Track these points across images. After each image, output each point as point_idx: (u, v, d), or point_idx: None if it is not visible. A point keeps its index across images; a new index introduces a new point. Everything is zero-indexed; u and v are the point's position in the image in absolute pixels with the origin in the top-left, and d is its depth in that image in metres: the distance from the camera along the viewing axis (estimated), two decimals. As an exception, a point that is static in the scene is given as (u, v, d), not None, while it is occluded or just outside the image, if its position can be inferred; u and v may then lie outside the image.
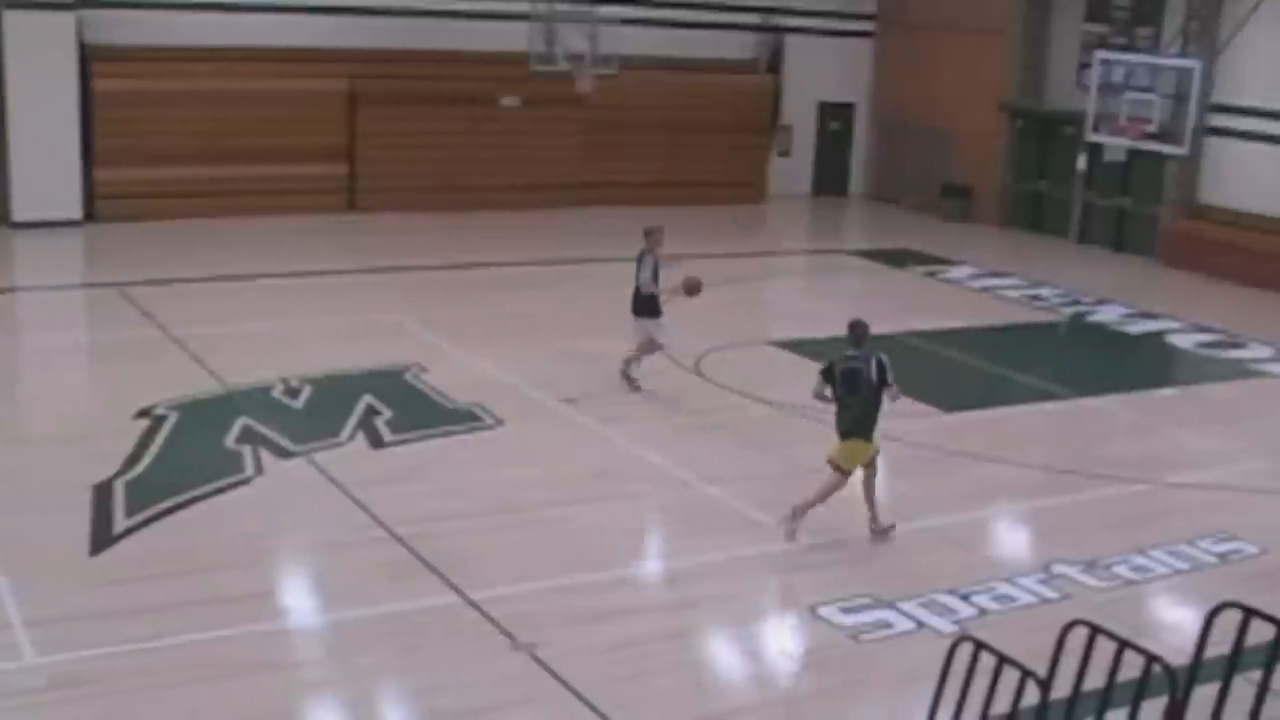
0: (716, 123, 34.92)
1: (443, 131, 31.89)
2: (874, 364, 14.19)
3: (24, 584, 12.15)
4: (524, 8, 30.35)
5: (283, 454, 15.89)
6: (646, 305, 19.01)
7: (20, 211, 27.84)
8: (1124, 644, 7.34)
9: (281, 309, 22.82)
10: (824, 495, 14.21)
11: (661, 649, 11.80)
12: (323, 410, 17.55)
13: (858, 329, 14.54)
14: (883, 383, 14.18)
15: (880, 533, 14.41)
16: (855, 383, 14.18)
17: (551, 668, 11.16)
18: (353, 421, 17.12)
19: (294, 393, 18.16)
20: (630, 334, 19.32)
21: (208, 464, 15.41)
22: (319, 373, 18.95)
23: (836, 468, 14.21)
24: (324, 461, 15.71)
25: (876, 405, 14.27)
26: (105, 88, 28.58)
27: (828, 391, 14.33)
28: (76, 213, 27.70)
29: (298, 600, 12.64)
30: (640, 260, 19.04)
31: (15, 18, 27.35)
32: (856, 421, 14.16)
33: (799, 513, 14.07)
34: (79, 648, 11.07)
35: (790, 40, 36.47)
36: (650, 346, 19.20)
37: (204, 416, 17.13)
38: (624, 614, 12.42)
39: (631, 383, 19.13)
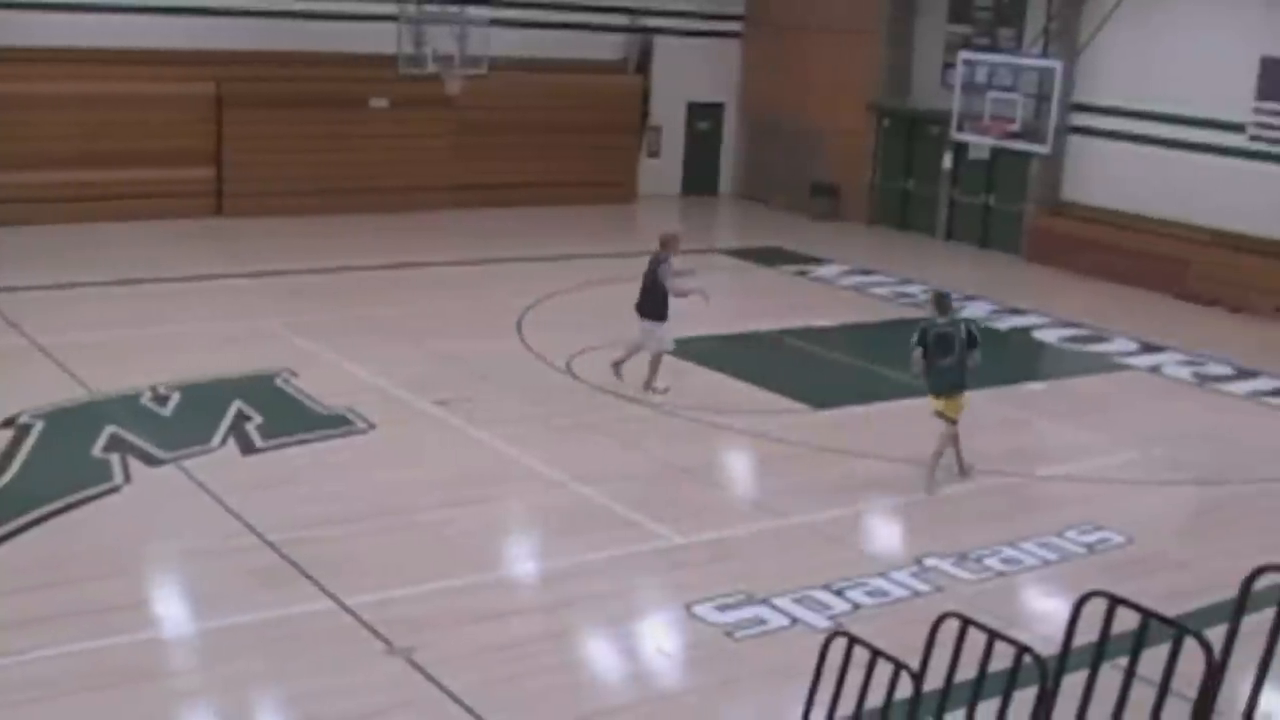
0: (586, 123, 34.94)
1: (311, 134, 31.63)
2: (963, 328, 16.66)
3: (-113, 598, 11.92)
4: (392, 9, 30.18)
5: (152, 461, 15.69)
6: (658, 308, 19.35)
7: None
8: (994, 635, 7.44)
9: (150, 315, 22.51)
10: (949, 442, 16.55)
11: (538, 650, 11.80)
12: (192, 417, 17.34)
13: (944, 300, 16.94)
14: (974, 344, 16.54)
15: (966, 471, 16.70)
16: (949, 345, 16.35)
17: (428, 671, 11.12)
18: (223, 427, 16.95)
19: (163, 399, 17.94)
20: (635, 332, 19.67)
21: (76, 473, 15.18)
22: (188, 379, 18.73)
23: (948, 420, 16.50)
24: (194, 468, 15.54)
25: (964, 364, 16.45)
26: (-36, 91, 28.08)
27: (919, 355, 16.48)
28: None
29: (170, 609, 12.49)
30: (660, 264, 19.47)
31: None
32: (954, 378, 16.40)
33: (966, 470, 16.69)
34: (-55, 662, 10.88)
35: (659, 41, 36.55)
36: (637, 349, 19.48)
37: (71, 425, 16.86)
38: (500, 616, 12.41)
39: (620, 376, 19.54)
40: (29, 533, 13.58)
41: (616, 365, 19.64)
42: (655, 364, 19.38)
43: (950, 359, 16.40)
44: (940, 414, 16.56)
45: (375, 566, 13.21)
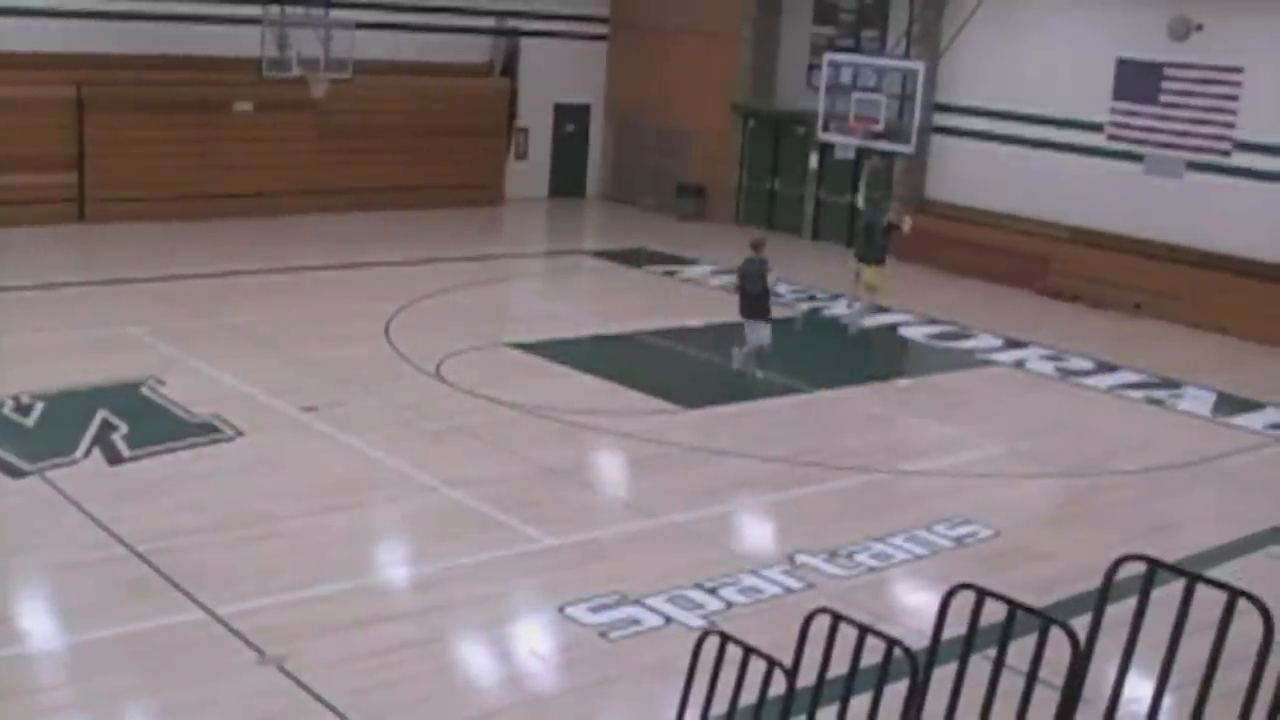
0: (453, 126, 34.87)
1: (175, 138, 31.24)
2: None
3: None
4: (256, 12, 29.91)
5: (15, 473, 15.42)
6: (763, 308, 21.05)
7: None
8: (865, 630, 7.52)
9: (10, 323, 22.12)
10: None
11: (412, 655, 11.76)
12: (56, 427, 17.07)
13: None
14: None
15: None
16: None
17: (301, 679, 11.04)
18: (88, 437, 16.70)
19: (25, 409, 17.63)
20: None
21: (-65, 486, 14.90)
22: (51, 388, 18.43)
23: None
24: (59, 479, 15.29)
25: None
26: None
27: None
28: None
29: (35, 623, 12.27)
30: (762, 266, 21.12)
31: None
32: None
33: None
34: None
35: (525, 43, 36.54)
36: (757, 346, 21.17)
37: (-70, 437, 16.56)
38: (373, 622, 12.34)
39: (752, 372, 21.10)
40: (-112, 548, 13.31)
41: (746, 361, 21.15)
42: (759, 354, 21.12)
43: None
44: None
45: (246, 575, 13.08)
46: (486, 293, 26.64)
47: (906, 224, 26.01)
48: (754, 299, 21.16)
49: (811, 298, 27.28)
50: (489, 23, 36.29)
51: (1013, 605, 7.08)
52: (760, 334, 21.11)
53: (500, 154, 36.63)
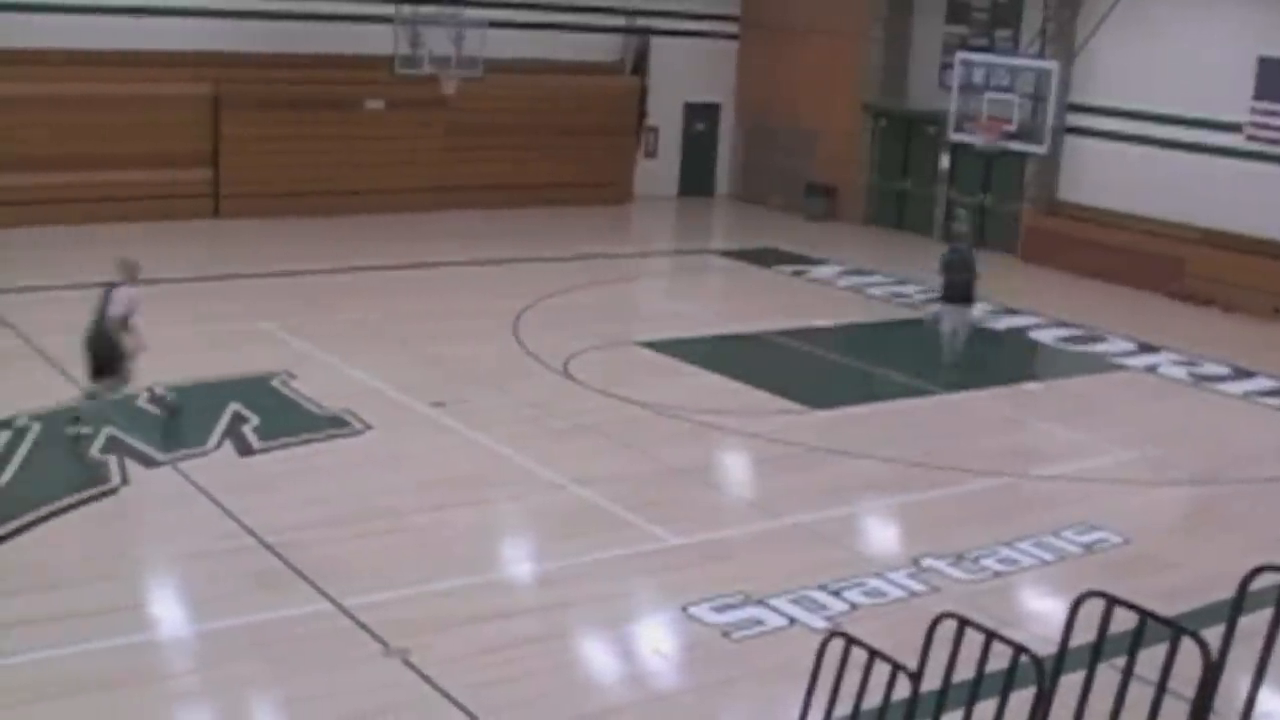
0: (583, 124, 34.95)
1: (307, 136, 31.62)
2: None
3: (-118, 601, 11.92)
4: (389, 11, 30.18)
5: (149, 463, 15.68)
6: (973, 292, 21.99)
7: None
8: (991, 635, 7.44)
9: (147, 316, 22.38)
10: None
11: (535, 651, 11.79)
12: (190, 418, 17.33)
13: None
14: None
15: None
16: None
17: (424, 672, 11.11)
18: (220, 429, 16.94)
19: (160, 401, 17.92)
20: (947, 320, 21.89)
21: (72, 475, 15.17)
22: (186, 380, 18.72)
23: None
24: (191, 470, 15.52)
25: None
26: (-42, 92, 28.07)
27: None
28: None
29: (166, 611, 12.45)
30: (970, 251, 22.10)
31: None
32: None
33: None
34: (-59, 665, 10.86)
35: (656, 42, 36.56)
36: (966, 326, 22.10)
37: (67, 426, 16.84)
38: (496, 617, 12.39)
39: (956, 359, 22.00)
40: (26, 534, 13.55)
41: (954, 341, 21.90)
42: (967, 337, 22.10)
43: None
44: None
45: (372, 568, 13.20)
46: (614, 291, 26.68)
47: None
48: (966, 285, 21.75)
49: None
50: (620, 21, 36.36)
51: (1143, 614, 6.96)
52: (970, 317, 22.12)
53: (630, 152, 36.68)
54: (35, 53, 28.88)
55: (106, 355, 16.72)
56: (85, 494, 14.63)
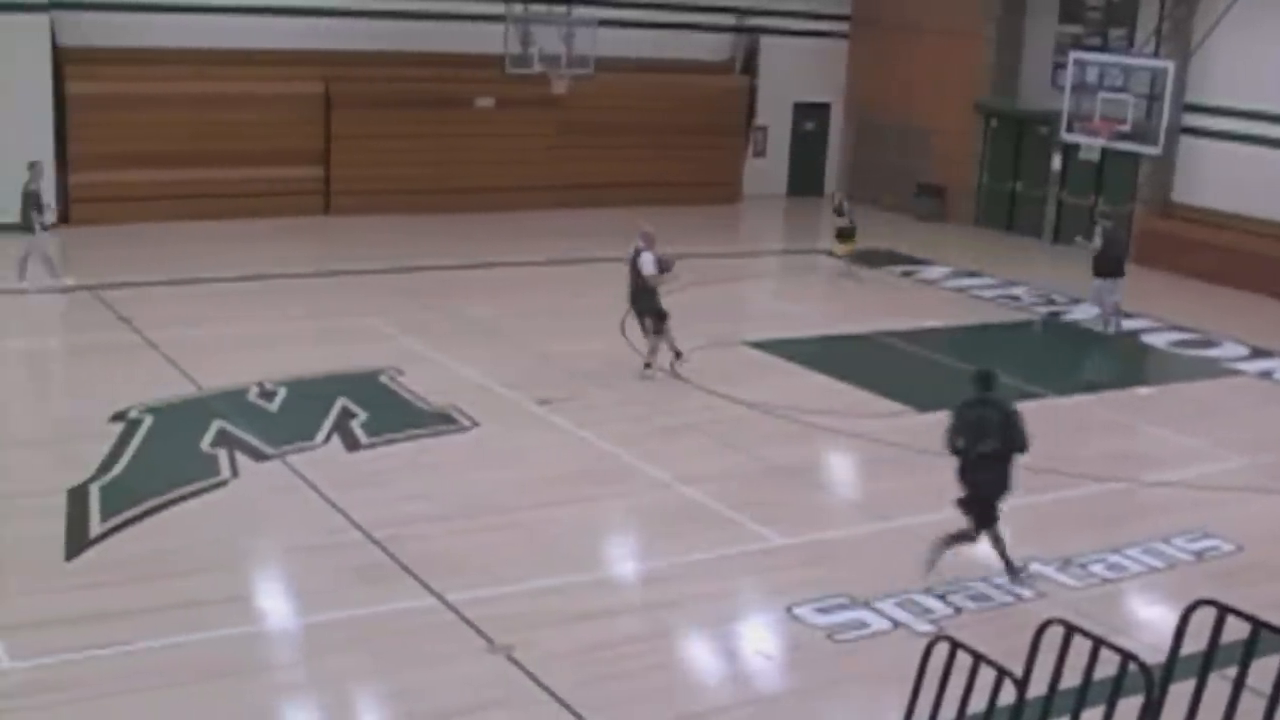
0: (692, 123, 34.94)
1: (417, 134, 31.84)
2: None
3: (-1, 589, 12.13)
4: (499, 9, 30.33)
5: (258, 456, 15.86)
6: (1121, 266, 23.97)
7: (-6, 214, 27.74)
8: (1099, 642, 7.36)
9: (257, 312, 22.78)
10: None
11: (638, 650, 11.80)
12: (298, 413, 17.51)
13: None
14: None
15: None
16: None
17: (528, 669, 11.15)
18: (328, 424, 17.10)
19: (269, 395, 18.12)
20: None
21: (183, 467, 15.37)
22: (294, 375, 18.91)
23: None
24: (299, 464, 15.68)
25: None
26: (79, 91, 28.50)
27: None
28: (51, 216, 27.50)
29: (273, 603, 12.60)
30: (1119, 231, 24.45)
31: (-12, 20, 27.29)
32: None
33: None
34: (54, 653, 11.03)
35: (765, 41, 36.48)
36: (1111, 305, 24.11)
37: (180, 420, 17.08)
38: (601, 615, 12.42)
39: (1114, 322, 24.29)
40: (137, 525, 13.76)
41: (1110, 318, 24.13)
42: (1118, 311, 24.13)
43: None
44: None
45: (477, 564, 13.27)
46: (723, 290, 26.64)
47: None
48: (1118, 260, 23.63)
49: (1051, 301, 26.78)
50: (730, 20, 36.32)
51: (1256, 623, 6.86)
52: (1120, 292, 23.88)
53: (739, 152, 36.64)
54: (149, 51, 29.36)
55: (647, 309, 20.01)
56: (196, 486, 14.82)
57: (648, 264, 19.87)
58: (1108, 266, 23.85)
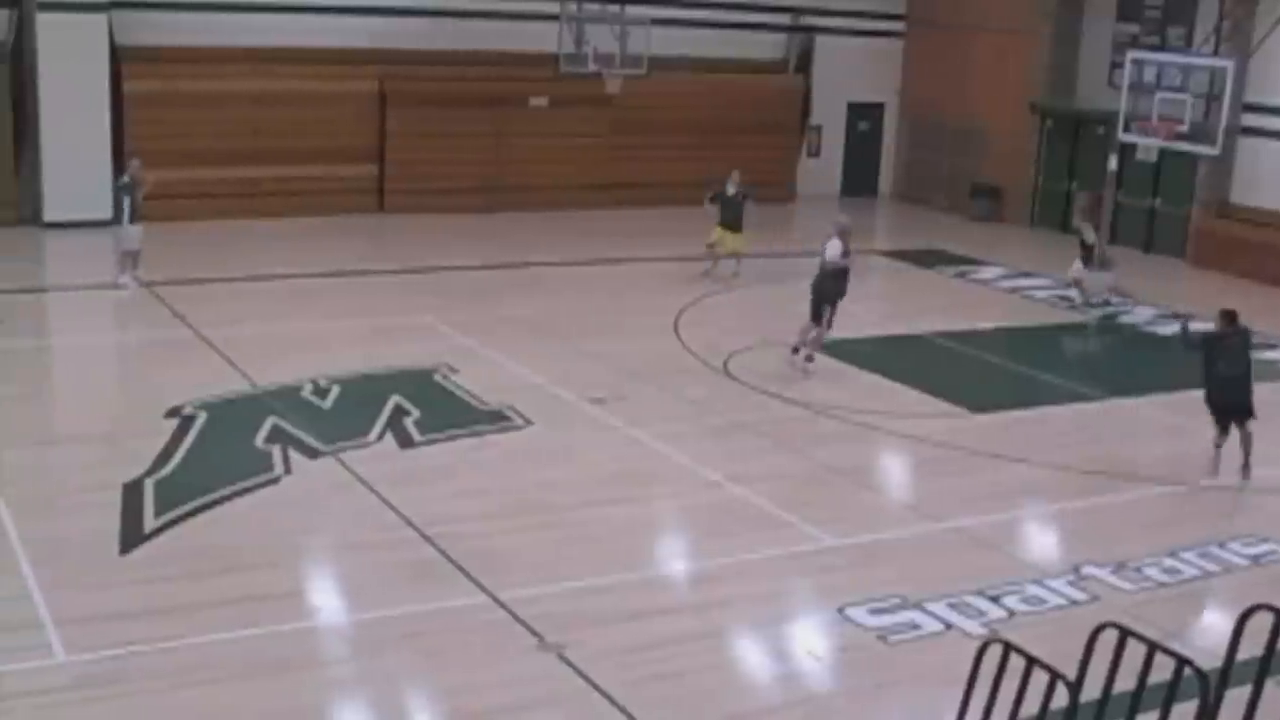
0: (746, 123, 34.87)
1: (472, 133, 31.91)
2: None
3: (55, 583, 12.20)
4: (553, 8, 30.36)
5: (311, 453, 15.92)
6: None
7: (51, 211, 27.97)
8: (1155, 647, 7.30)
9: (311, 309, 22.87)
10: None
11: (689, 649, 11.78)
12: (351, 410, 17.58)
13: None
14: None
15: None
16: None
17: (579, 668, 11.16)
18: (381, 421, 17.15)
19: (323, 392, 18.19)
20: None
21: (237, 463, 15.44)
22: (348, 373, 18.99)
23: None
24: (352, 461, 15.74)
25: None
26: (136, 89, 28.69)
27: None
28: (107, 213, 27.70)
29: (325, 599, 12.65)
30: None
31: (48, 19, 27.47)
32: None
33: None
34: (108, 646, 11.10)
35: (820, 40, 36.40)
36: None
37: (234, 416, 17.16)
38: (652, 614, 12.42)
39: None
40: (191, 521, 13.83)
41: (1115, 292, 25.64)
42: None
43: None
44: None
45: (529, 562, 13.28)
46: (776, 290, 26.55)
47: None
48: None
49: (1106, 303, 26.60)
50: (785, 20, 36.25)
51: (1313, 629, 6.79)
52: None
53: (793, 151, 36.57)
54: (205, 50, 29.50)
55: (832, 295, 20.35)
56: (249, 482, 14.89)
57: (832, 249, 20.37)
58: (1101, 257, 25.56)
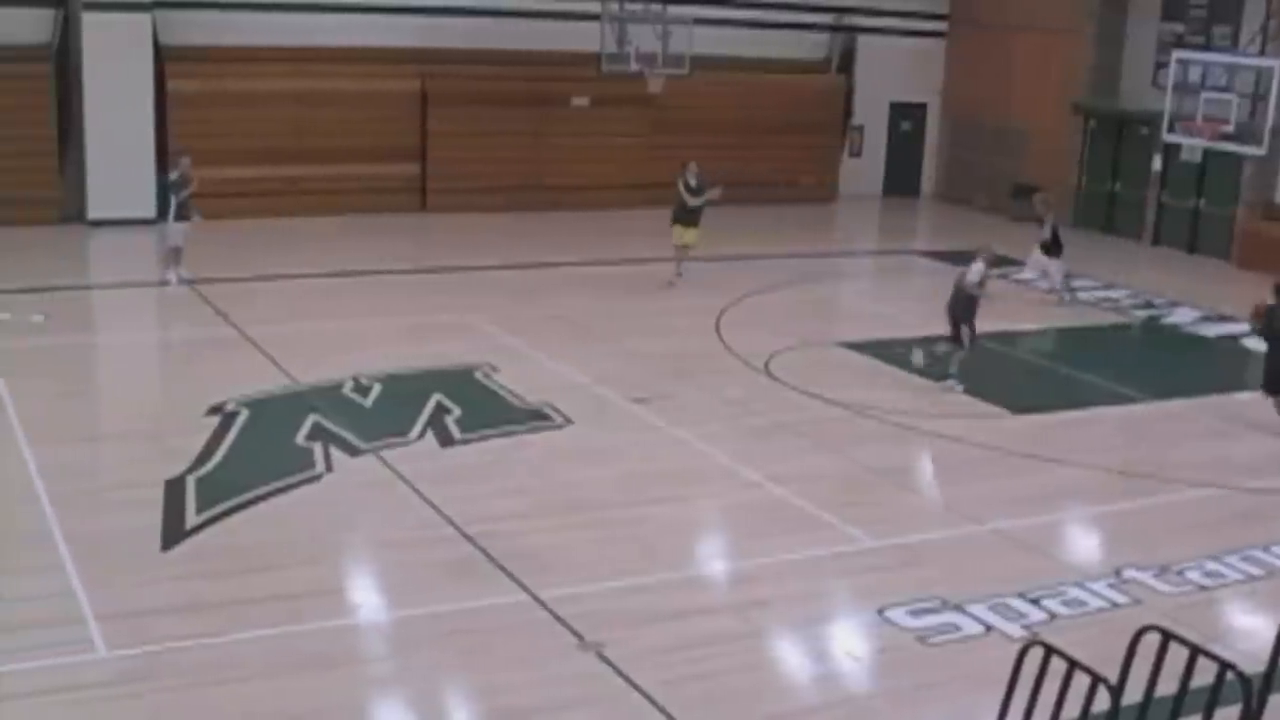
0: (788, 122, 34.85)
1: (513, 132, 31.99)
2: None
3: (97, 578, 12.27)
4: (595, 8, 30.36)
5: (352, 451, 15.97)
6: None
7: (96, 209, 28.15)
8: (1197, 650, 7.26)
9: (353, 308, 22.95)
10: None
11: (728, 649, 11.77)
12: (393, 408, 17.62)
13: None
14: None
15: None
16: None
17: (618, 667, 11.16)
18: (422, 420, 17.18)
19: (364, 390, 18.25)
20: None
21: (278, 461, 15.50)
22: (389, 371, 19.04)
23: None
24: (393, 459, 15.77)
25: None
26: (179, 88, 28.86)
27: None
28: (150, 211, 27.89)
29: (365, 597, 12.69)
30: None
31: (93, 19, 27.66)
32: None
33: None
34: (149, 642, 11.16)
35: (862, 40, 36.33)
36: None
37: (275, 413, 17.23)
38: (691, 614, 12.40)
39: None
40: (232, 517, 13.89)
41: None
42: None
43: None
44: None
45: (568, 561, 13.29)
46: (817, 290, 26.57)
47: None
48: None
49: (1149, 304, 26.47)
50: (827, 20, 36.20)
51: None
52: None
53: (835, 151, 36.52)
54: (248, 50, 29.65)
55: (960, 317, 19.98)
56: (290, 480, 14.95)
57: (974, 272, 19.91)
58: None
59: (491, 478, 15.54)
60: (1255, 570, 14.03)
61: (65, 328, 21.09)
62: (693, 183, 25.49)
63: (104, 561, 12.72)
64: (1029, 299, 26.26)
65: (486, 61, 31.72)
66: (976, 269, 19.94)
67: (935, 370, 20.10)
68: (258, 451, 15.83)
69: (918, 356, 20.54)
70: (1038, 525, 15.10)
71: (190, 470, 15.06)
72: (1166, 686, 7.31)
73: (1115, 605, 12.99)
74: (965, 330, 19.96)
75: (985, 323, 23.51)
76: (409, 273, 25.57)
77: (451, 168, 31.55)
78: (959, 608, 12.66)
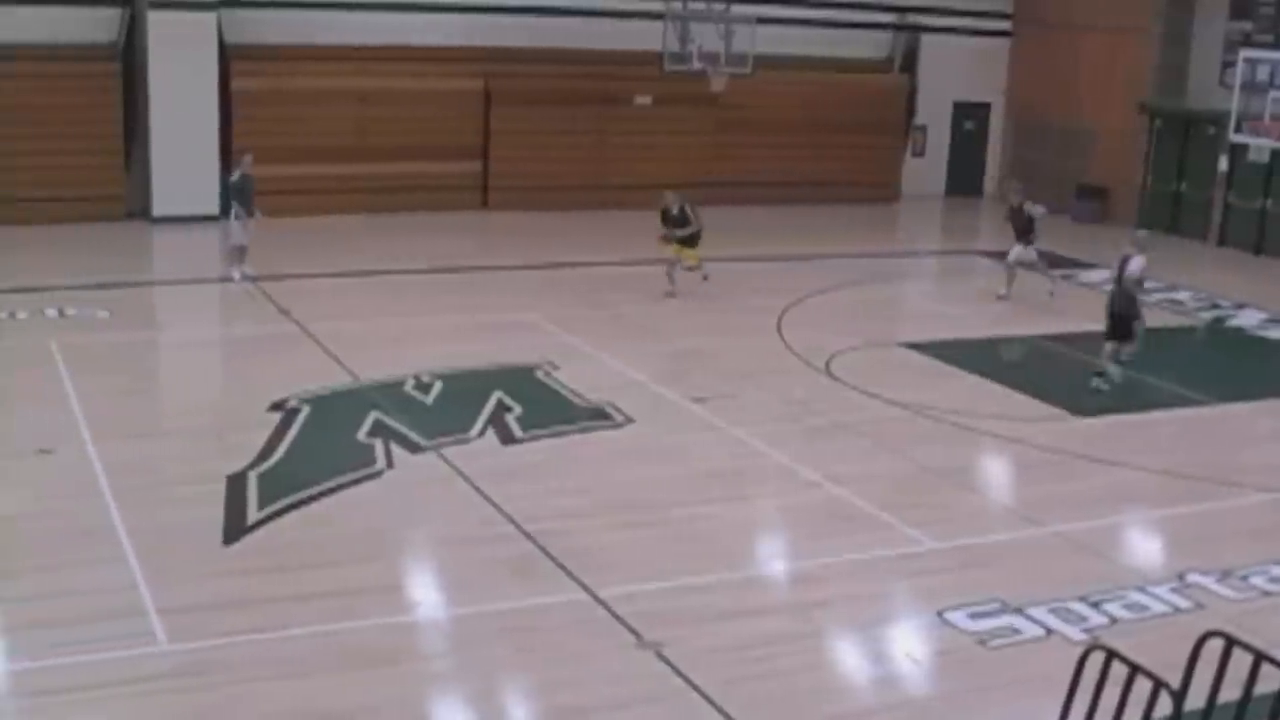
0: (851, 122, 34.77)
1: (575, 130, 32.06)
2: None
3: (159, 572, 12.36)
4: (658, 7, 30.36)
5: (413, 448, 16.03)
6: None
7: (160, 206, 28.38)
8: (1261, 656, 7.19)
9: (415, 305, 23.04)
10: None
11: (787, 649, 11.74)
12: (454, 405, 17.68)
13: None
14: None
15: None
16: None
17: (677, 666, 11.15)
18: (483, 417, 17.23)
19: (425, 388, 18.31)
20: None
21: (339, 457, 15.57)
22: (450, 368, 19.10)
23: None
24: (454, 456, 15.82)
25: None
26: (244, 86, 29.06)
27: None
28: (214, 208, 28.09)
29: (425, 594, 12.74)
30: None
31: (158, 17, 27.89)
32: None
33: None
34: (210, 636, 11.24)
35: (926, 40, 36.21)
36: None
37: (336, 410, 17.32)
38: (750, 614, 12.39)
39: None
40: (293, 513, 13.97)
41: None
42: None
43: None
44: None
45: (628, 560, 13.29)
46: (879, 290, 26.48)
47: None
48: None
49: (1215, 306, 26.26)
50: (890, 19, 36.09)
51: None
52: None
53: (898, 151, 36.42)
54: (312, 49, 29.86)
55: (1122, 315, 19.92)
56: (351, 476, 15.02)
57: (1136, 268, 19.80)
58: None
59: (552, 476, 15.56)
60: (1321, 575, 13.90)
61: (129, 324, 21.28)
62: (674, 212, 24.48)
63: (166, 556, 12.81)
64: (1083, 297, 26.10)
65: (549, 60, 31.78)
66: (1137, 263, 19.79)
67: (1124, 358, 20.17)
68: (319, 448, 15.91)
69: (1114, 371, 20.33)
70: (1099, 528, 15.00)
71: (252, 466, 15.16)
72: (1229, 693, 7.24)
73: (1177, 610, 12.89)
74: (1137, 325, 20.02)
75: (1049, 324, 23.47)
76: (471, 270, 25.64)
77: (513, 166, 31.64)
78: (1019, 611, 12.59)
